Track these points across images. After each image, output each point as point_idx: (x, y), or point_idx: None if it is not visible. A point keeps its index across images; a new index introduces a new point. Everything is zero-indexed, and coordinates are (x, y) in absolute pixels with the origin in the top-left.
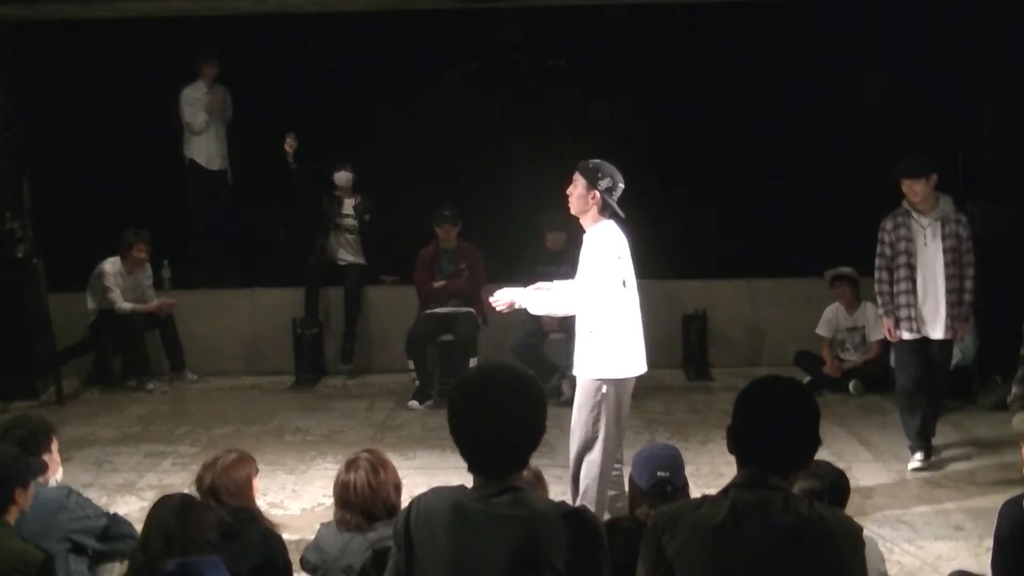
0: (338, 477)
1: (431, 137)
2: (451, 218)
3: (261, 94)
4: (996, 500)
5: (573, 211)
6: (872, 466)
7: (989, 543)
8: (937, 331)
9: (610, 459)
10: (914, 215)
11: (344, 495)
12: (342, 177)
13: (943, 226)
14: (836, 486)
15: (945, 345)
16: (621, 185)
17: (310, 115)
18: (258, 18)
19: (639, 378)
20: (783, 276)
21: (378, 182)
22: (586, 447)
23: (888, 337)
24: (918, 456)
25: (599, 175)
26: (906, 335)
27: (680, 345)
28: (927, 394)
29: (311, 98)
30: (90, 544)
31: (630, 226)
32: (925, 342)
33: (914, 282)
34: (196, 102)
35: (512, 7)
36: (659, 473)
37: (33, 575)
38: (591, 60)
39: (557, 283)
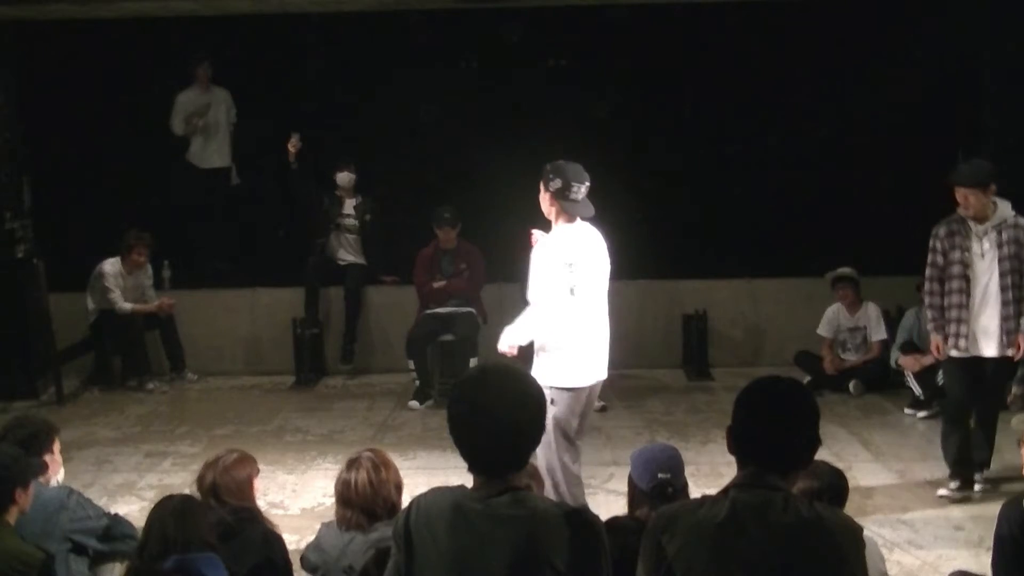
0: (340, 476)
1: (431, 137)
2: (450, 220)
3: (261, 94)
4: (996, 500)
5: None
6: (872, 466)
7: (989, 543)
8: (990, 348)
9: (567, 466)
10: (970, 222)
11: (345, 494)
12: (344, 178)
13: (1000, 233)
14: (834, 485)
15: (1001, 364)
16: (577, 184)
17: (310, 115)
18: (258, 18)
19: (639, 378)
20: (783, 276)
21: (378, 182)
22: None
23: (935, 355)
24: (953, 484)
25: (550, 176)
26: (955, 352)
27: (680, 345)
28: (979, 418)
29: (311, 98)
30: (91, 544)
31: (630, 224)
32: (977, 361)
33: (968, 295)
34: (181, 107)
35: (512, 7)
36: (660, 475)
37: (33, 575)
38: (591, 60)
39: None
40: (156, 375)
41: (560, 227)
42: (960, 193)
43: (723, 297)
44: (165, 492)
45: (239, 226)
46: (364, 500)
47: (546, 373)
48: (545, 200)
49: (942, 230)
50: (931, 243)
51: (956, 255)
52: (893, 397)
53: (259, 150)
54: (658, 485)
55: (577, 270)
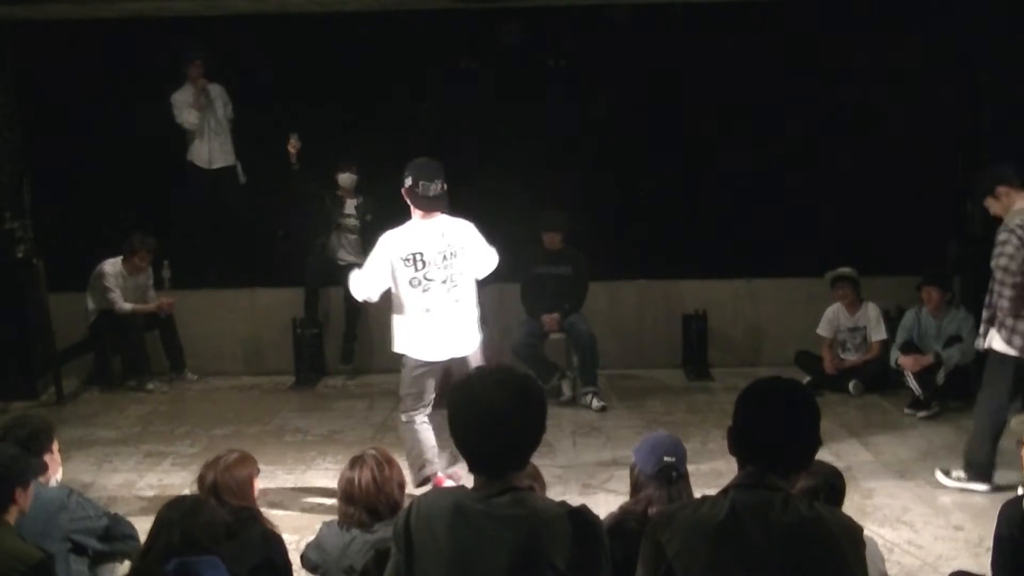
0: (343, 473)
1: (431, 137)
2: None
3: (261, 95)
4: (996, 500)
5: None
6: (872, 466)
7: (989, 543)
8: None
9: (410, 423)
10: None
11: (349, 491)
12: (346, 179)
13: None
14: (832, 484)
15: None
16: (425, 182)
17: (310, 116)
18: (258, 18)
19: (639, 378)
20: (783, 276)
21: (378, 182)
22: None
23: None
24: (962, 475)
25: (404, 173)
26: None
27: (680, 345)
28: None
29: (310, 99)
30: (91, 544)
31: (630, 224)
32: None
33: None
34: (183, 103)
35: (512, 7)
36: (665, 458)
37: (33, 575)
38: (591, 60)
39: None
40: (156, 375)
41: (413, 221)
42: None
43: (723, 297)
44: (165, 492)
45: (239, 226)
46: (367, 497)
47: (395, 341)
48: (403, 195)
49: None
50: None
51: None
52: (893, 397)
53: (259, 151)
54: (663, 468)
55: (418, 263)
